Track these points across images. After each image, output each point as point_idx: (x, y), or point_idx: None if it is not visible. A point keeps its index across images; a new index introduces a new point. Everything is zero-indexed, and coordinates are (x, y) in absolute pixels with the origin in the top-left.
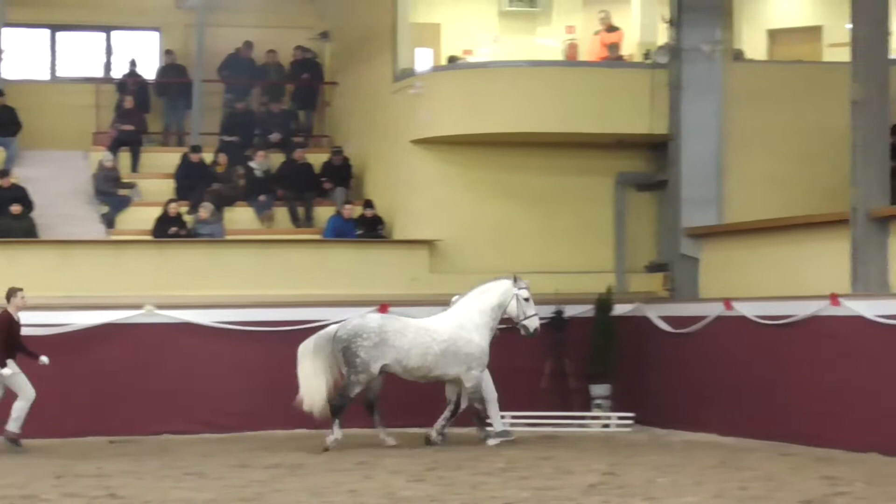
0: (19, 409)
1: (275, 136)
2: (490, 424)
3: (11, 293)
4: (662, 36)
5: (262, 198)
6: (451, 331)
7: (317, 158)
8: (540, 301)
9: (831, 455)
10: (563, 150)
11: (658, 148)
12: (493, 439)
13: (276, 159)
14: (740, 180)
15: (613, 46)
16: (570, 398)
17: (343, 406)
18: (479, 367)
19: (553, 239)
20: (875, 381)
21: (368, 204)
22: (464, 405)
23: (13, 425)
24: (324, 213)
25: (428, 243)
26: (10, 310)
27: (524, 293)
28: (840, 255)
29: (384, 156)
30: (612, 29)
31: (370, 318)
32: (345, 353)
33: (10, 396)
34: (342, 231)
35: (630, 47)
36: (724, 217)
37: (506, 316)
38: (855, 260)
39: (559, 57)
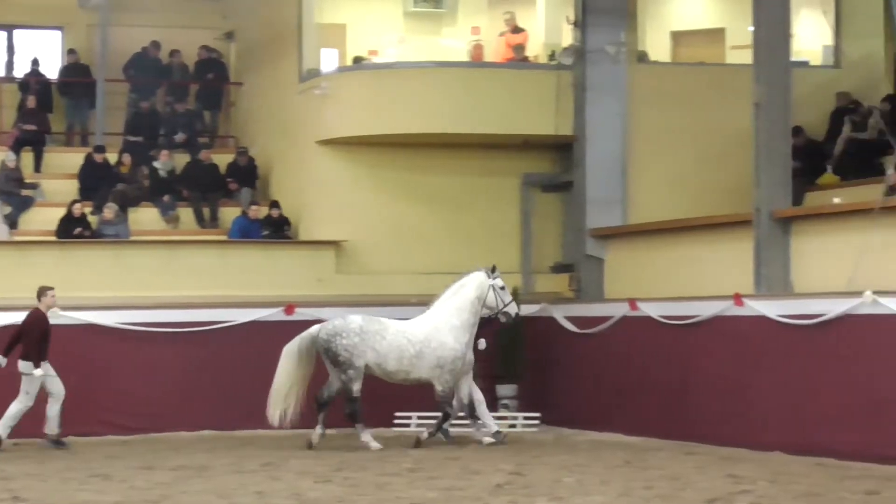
0: (54, 409)
1: (180, 137)
2: (446, 431)
3: (41, 292)
4: (567, 37)
5: (166, 198)
6: (426, 332)
7: (222, 159)
8: None
9: (736, 454)
10: (469, 150)
11: (563, 149)
12: (488, 438)
13: (181, 160)
14: (645, 181)
15: (519, 48)
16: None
17: (356, 410)
18: (450, 370)
19: (459, 239)
20: (778, 381)
21: (274, 205)
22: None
23: (52, 426)
24: (230, 213)
25: (334, 244)
26: (42, 308)
27: (499, 282)
28: (743, 256)
29: (290, 156)
30: (517, 30)
31: (351, 319)
32: (327, 353)
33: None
34: (248, 232)
35: (535, 48)
36: (628, 218)
37: (485, 307)
38: (758, 260)
39: (465, 58)
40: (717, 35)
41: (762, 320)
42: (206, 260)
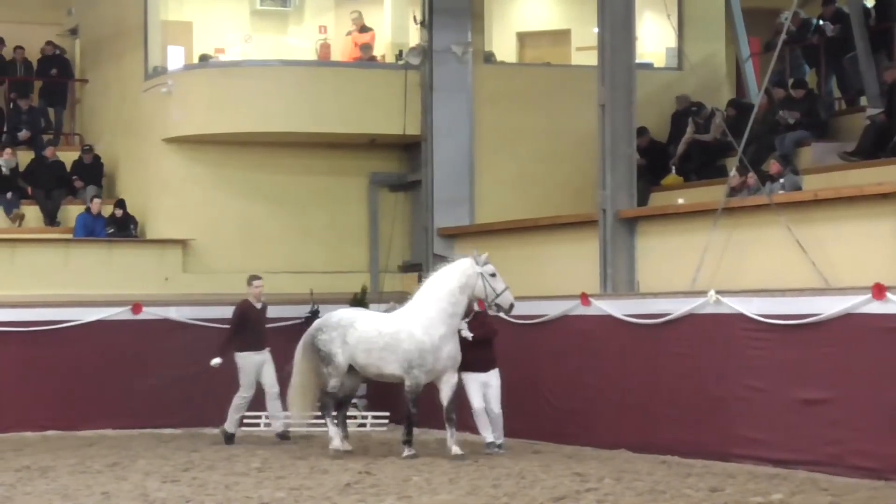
0: (274, 406)
1: (23, 134)
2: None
3: (248, 281)
4: (414, 37)
5: (9, 195)
6: (397, 325)
7: (67, 156)
8: (294, 301)
9: (581, 452)
10: (316, 150)
11: (411, 148)
12: (413, 450)
13: (25, 157)
14: (491, 181)
15: (366, 47)
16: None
17: (325, 403)
18: (418, 365)
19: (307, 239)
20: (623, 379)
21: (120, 203)
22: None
23: (279, 424)
24: (75, 211)
25: (181, 243)
26: (250, 299)
27: (489, 268)
28: (589, 255)
29: (136, 154)
30: (364, 29)
31: (334, 313)
32: (314, 347)
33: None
34: (92, 230)
35: (382, 48)
36: (475, 217)
37: (474, 297)
38: (603, 260)
39: (311, 57)
40: (562, 36)
41: (608, 319)
42: (49, 258)
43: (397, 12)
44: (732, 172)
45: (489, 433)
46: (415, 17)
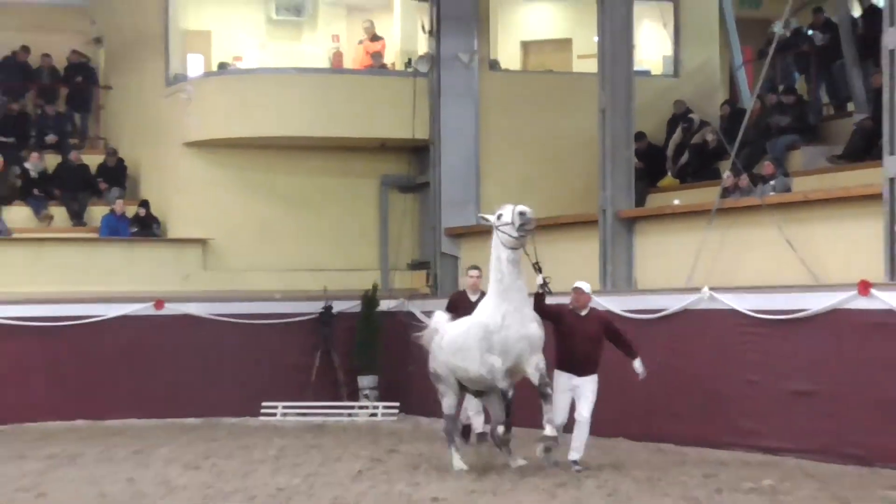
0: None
1: (50, 138)
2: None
3: (466, 272)
4: (423, 45)
5: (36, 192)
6: (470, 320)
7: (92, 160)
8: (309, 297)
9: None
10: (330, 153)
11: (420, 152)
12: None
13: (52, 160)
14: (496, 183)
15: (377, 55)
16: (339, 389)
17: (448, 429)
18: (488, 349)
19: (320, 238)
20: (622, 372)
21: (144, 204)
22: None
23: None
24: (100, 212)
25: (201, 242)
26: (468, 289)
27: (500, 219)
28: (589, 254)
29: (158, 158)
30: (375, 38)
31: (434, 319)
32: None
33: None
34: (116, 229)
35: (392, 56)
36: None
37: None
38: (603, 258)
39: (325, 64)
40: (564, 45)
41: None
42: (76, 256)
43: (406, 22)
44: (726, 174)
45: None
46: (423, 27)
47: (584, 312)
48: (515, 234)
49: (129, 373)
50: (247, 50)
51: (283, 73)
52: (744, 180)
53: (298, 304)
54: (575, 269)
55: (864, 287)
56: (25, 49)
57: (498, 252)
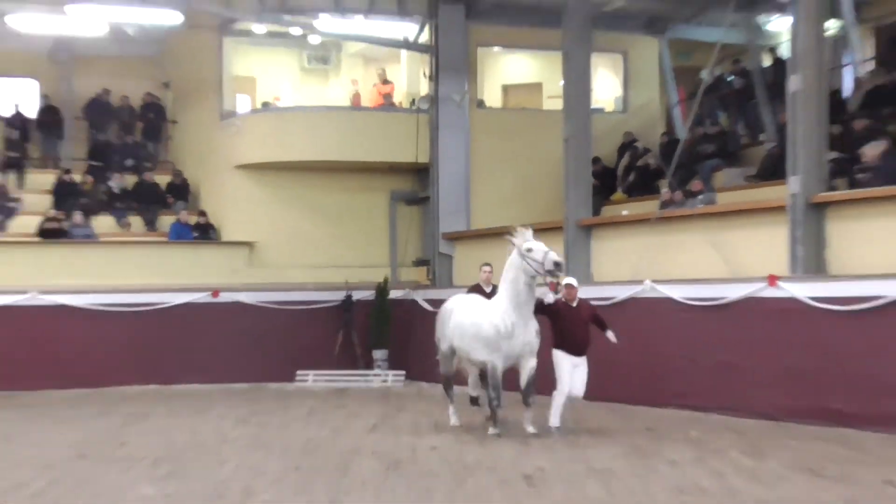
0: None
1: (129, 162)
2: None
3: (480, 267)
4: (424, 88)
5: (118, 204)
6: (482, 314)
7: (162, 179)
8: (333, 288)
9: (541, 400)
10: (349, 173)
11: (421, 172)
12: (498, 430)
13: (131, 180)
14: (483, 197)
15: (387, 96)
16: (357, 360)
17: (445, 388)
18: (495, 350)
19: (342, 241)
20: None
21: (202, 213)
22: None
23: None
24: (169, 221)
25: (248, 244)
26: (481, 283)
27: (525, 245)
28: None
29: (214, 177)
30: (386, 82)
31: (449, 300)
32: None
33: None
34: (182, 234)
35: (400, 96)
36: (471, 224)
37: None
38: (567, 257)
39: (346, 103)
40: (536, 88)
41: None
42: (150, 256)
43: (411, 69)
44: (664, 190)
45: (557, 418)
46: (424, 73)
47: (574, 303)
48: (543, 272)
49: (192, 347)
50: (284, 92)
51: (312, 111)
52: (678, 195)
53: (325, 294)
54: None
55: (773, 280)
56: (107, 92)
57: (517, 274)
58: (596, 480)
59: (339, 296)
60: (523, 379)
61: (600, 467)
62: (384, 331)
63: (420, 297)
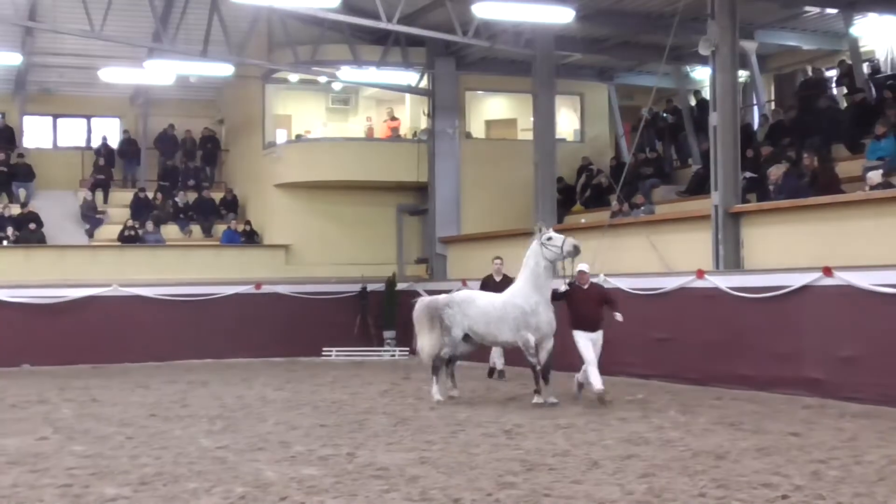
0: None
1: (191, 182)
2: (537, 388)
3: (492, 261)
4: (424, 123)
5: (182, 216)
6: (503, 300)
7: (217, 196)
8: (352, 281)
9: (508, 370)
10: (365, 191)
11: (422, 189)
12: (543, 398)
13: (192, 196)
14: (471, 209)
15: (395, 129)
16: (371, 339)
17: (436, 366)
18: (525, 326)
19: (359, 244)
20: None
21: (248, 223)
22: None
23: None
24: (222, 229)
25: (284, 247)
26: (493, 273)
27: (545, 235)
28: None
29: (258, 194)
30: (394, 118)
31: (458, 293)
32: (440, 318)
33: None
34: (232, 239)
35: (405, 130)
36: (461, 230)
37: (551, 262)
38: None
39: (362, 135)
40: (512, 123)
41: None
42: (207, 257)
43: (414, 109)
44: (614, 203)
45: (599, 382)
46: (424, 112)
47: (586, 286)
48: (563, 255)
49: (240, 329)
50: (313, 126)
51: (336, 141)
52: (625, 207)
53: (345, 286)
54: (520, 263)
55: (700, 274)
56: (174, 127)
57: (538, 259)
58: (561, 433)
59: (357, 287)
60: (542, 357)
61: (565, 423)
62: (392, 315)
63: (421, 287)
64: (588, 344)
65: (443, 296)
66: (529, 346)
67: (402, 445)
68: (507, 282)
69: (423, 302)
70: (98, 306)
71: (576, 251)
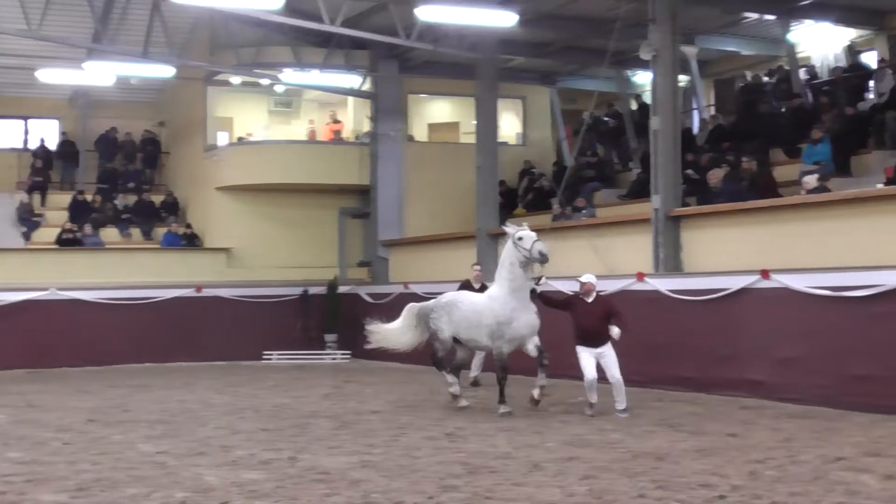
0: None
1: (131, 185)
2: (502, 399)
3: (472, 267)
4: (367, 126)
5: (122, 218)
6: (483, 304)
7: (157, 198)
8: (294, 284)
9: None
10: (307, 193)
11: (364, 192)
12: (508, 408)
13: (132, 199)
14: (413, 212)
15: (338, 132)
16: (313, 342)
17: (436, 364)
18: (499, 335)
19: (302, 247)
20: None
21: (189, 226)
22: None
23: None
24: (162, 232)
25: (225, 250)
26: (471, 279)
27: (516, 233)
28: (469, 257)
29: (199, 197)
30: (336, 122)
31: (444, 295)
32: (427, 322)
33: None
34: (172, 243)
35: (348, 133)
36: (403, 234)
37: (522, 262)
38: (479, 259)
39: (305, 138)
40: (454, 126)
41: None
42: (147, 260)
43: (357, 111)
44: (555, 206)
45: (595, 397)
46: (367, 115)
47: (590, 298)
48: (531, 258)
49: (181, 333)
50: (255, 129)
51: (278, 144)
52: (567, 210)
53: (288, 289)
54: (459, 266)
55: (640, 276)
56: (114, 129)
57: (512, 259)
58: (503, 436)
59: (299, 290)
60: (532, 350)
61: (506, 426)
62: (334, 318)
63: (363, 291)
64: (591, 361)
65: (432, 300)
66: (502, 356)
67: (345, 449)
68: (485, 290)
69: (413, 305)
70: (35, 310)
71: (543, 258)
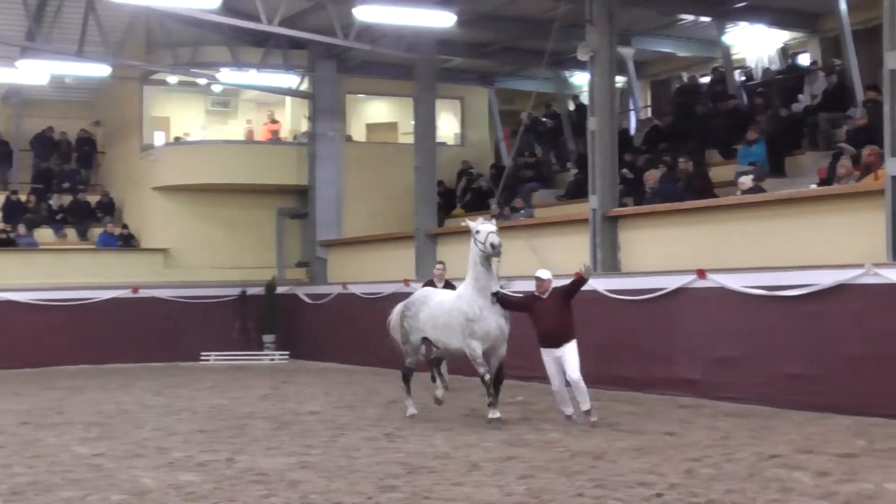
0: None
1: (66, 185)
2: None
3: (434, 265)
4: (305, 126)
5: (57, 218)
6: (451, 303)
7: (93, 199)
8: (232, 285)
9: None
10: (245, 194)
11: (302, 193)
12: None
13: (67, 199)
14: (352, 212)
15: (275, 132)
16: (251, 343)
17: (403, 378)
18: (471, 334)
19: (240, 247)
20: None
21: (125, 226)
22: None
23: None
24: (98, 232)
25: (163, 250)
26: (435, 279)
27: (476, 228)
28: (409, 258)
29: (135, 197)
30: (274, 122)
31: (415, 293)
32: (401, 322)
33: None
34: (108, 243)
35: (285, 133)
36: (342, 234)
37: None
38: (417, 260)
39: (242, 137)
40: (392, 126)
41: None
42: (83, 260)
43: (294, 111)
44: (494, 207)
45: (568, 408)
46: (305, 114)
47: (545, 295)
48: (486, 251)
49: (117, 334)
50: (192, 129)
51: (215, 144)
52: (505, 210)
53: (226, 289)
54: (399, 267)
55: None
56: (51, 129)
57: (474, 257)
58: (442, 435)
59: (237, 291)
60: (493, 367)
61: (445, 426)
62: (272, 319)
63: (301, 291)
64: (553, 366)
65: (406, 301)
66: (476, 355)
67: (283, 450)
68: (449, 287)
69: (395, 311)
70: None
71: (494, 250)
